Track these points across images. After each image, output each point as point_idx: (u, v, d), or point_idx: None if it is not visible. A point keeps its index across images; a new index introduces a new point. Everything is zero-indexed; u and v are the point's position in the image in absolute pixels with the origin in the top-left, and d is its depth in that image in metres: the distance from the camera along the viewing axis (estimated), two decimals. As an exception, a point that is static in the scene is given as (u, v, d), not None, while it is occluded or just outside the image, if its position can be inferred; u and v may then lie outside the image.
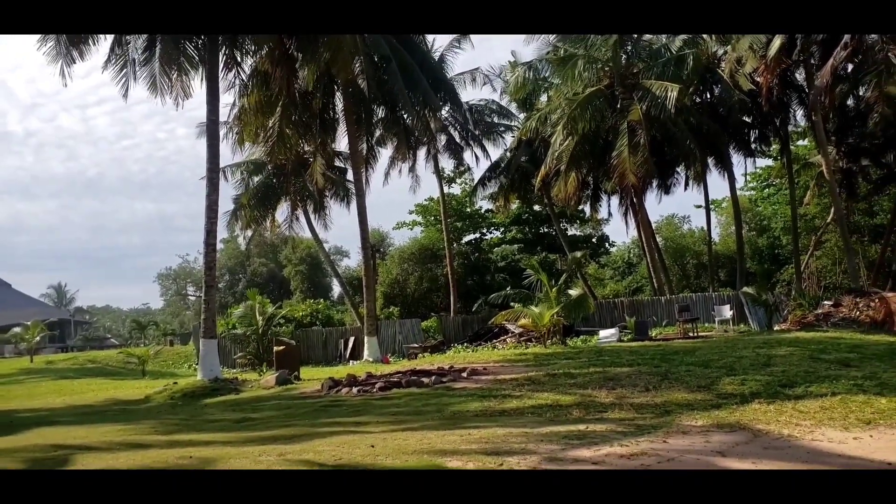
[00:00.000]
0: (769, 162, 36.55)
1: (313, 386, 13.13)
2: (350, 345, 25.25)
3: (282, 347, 17.34)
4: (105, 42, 18.02)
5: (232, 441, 7.56)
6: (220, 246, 20.92)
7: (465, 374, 12.46)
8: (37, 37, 17.55)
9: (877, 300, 18.83)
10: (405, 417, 8.76)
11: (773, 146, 31.31)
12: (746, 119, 28.14)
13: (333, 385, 12.42)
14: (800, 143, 35.21)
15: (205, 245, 17.89)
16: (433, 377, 12.23)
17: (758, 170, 38.20)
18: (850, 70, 24.26)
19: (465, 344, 23.41)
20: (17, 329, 37.01)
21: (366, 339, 22.71)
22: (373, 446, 6.55)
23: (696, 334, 19.08)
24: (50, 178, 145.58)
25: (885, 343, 13.97)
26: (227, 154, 27.03)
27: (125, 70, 18.18)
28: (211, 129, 18.15)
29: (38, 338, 34.93)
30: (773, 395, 8.60)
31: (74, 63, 17.60)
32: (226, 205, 29.24)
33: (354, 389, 11.76)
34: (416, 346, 23.49)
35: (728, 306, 21.85)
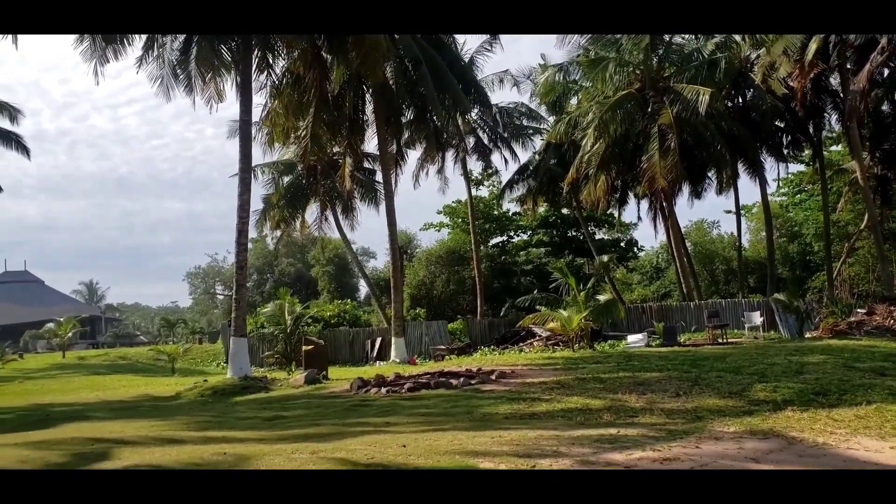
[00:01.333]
0: (801, 167, 36.02)
1: (342, 385, 13.24)
2: (377, 345, 25.39)
3: (310, 347, 17.47)
4: (139, 41, 18.20)
5: (265, 438, 7.66)
6: (248, 245, 21.16)
7: (493, 377, 12.46)
8: (72, 37, 17.91)
9: (913, 309, 18.47)
10: (435, 418, 8.78)
11: (806, 151, 30.83)
12: (779, 124, 27.78)
13: (362, 385, 12.50)
14: (833, 148, 34.62)
15: (236, 244, 18.08)
16: (461, 379, 12.24)
17: (789, 175, 37.75)
18: (885, 75, 23.86)
19: (492, 347, 23.43)
20: (50, 325, 37.71)
21: (393, 339, 22.84)
22: (404, 446, 6.59)
23: (725, 340, 18.86)
24: (82, 176, 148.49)
25: (921, 353, 13.67)
26: (257, 154, 27.34)
27: (163, 71, 18.46)
28: (244, 129, 18.36)
29: (70, 334, 35.53)
30: (807, 403, 8.49)
31: (108, 62, 17.91)
32: (254, 204, 29.58)
33: (383, 390, 11.83)
34: (442, 347, 23.54)
35: (758, 313, 21.58)
